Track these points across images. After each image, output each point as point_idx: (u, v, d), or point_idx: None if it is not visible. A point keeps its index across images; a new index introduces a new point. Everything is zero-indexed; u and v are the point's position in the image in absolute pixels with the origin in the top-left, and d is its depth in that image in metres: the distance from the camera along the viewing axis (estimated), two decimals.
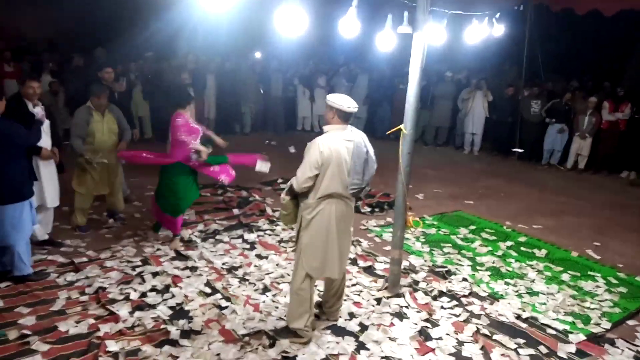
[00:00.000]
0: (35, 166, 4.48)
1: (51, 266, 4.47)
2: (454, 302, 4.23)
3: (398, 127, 3.95)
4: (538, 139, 9.93)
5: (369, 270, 4.75)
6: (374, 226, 5.96)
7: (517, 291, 4.55)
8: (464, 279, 4.69)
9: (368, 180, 3.45)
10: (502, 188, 7.99)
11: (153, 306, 3.90)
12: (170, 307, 3.90)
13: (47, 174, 4.71)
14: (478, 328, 3.87)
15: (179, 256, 4.83)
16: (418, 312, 4.05)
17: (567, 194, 7.86)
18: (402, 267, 4.42)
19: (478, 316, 4.05)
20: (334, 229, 3.42)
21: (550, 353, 3.63)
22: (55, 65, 8.83)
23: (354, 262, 4.90)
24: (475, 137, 10.53)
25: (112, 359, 3.22)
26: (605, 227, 6.44)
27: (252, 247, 5.15)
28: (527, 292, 4.53)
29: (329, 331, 3.71)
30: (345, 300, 4.11)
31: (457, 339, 3.72)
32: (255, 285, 4.37)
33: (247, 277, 4.48)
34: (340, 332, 3.71)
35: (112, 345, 3.35)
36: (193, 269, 4.58)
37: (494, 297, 4.39)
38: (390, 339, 3.66)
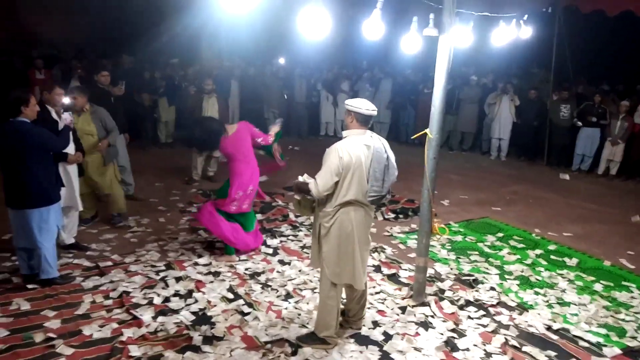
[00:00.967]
0: (62, 171, 4.55)
1: (77, 270, 4.52)
2: (482, 312, 4.11)
3: (423, 132, 3.87)
4: (568, 144, 9.67)
5: (393, 278, 4.66)
6: (398, 233, 5.87)
7: (547, 301, 4.39)
8: (492, 288, 4.56)
9: (388, 187, 3.36)
10: (530, 194, 7.79)
11: (176, 311, 3.90)
12: (193, 313, 3.89)
13: (72, 178, 4.78)
14: (507, 339, 3.74)
15: (202, 261, 4.82)
16: (444, 321, 3.94)
17: (598, 201, 7.61)
18: (427, 275, 4.32)
19: (507, 327, 3.92)
20: (354, 237, 3.35)
21: None
22: (83, 72, 9.00)
23: (377, 269, 4.82)
24: (502, 142, 10.32)
25: None
26: (639, 235, 6.20)
27: (275, 253, 5.12)
28: (558, 303, 4.38)
29: (352, 340, 3.64)
30: (368, 308, 4.03)
31: (484, 350, 3.61)
32: (277, 291, 4.33)
33: (269, 283, 4.45)
34: (364, 341, 3.64)
35: (135, 350, 3.35)
36: (216, 274, 4.57)
37: (523, 307, 4.25)
38: (416, 349, 3.57)
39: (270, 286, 4.41)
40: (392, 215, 6.39)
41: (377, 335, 3.70)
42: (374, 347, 3.56)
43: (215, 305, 4.02)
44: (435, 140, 3.83)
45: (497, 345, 3.66)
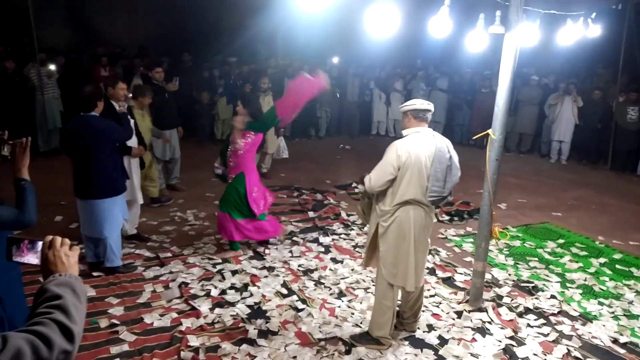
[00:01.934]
0: (126, 164, 4.74)
1: (138, 260, 4.70)
2: (542, 321, 3.96)
3: (485, 132, 3.76)
4: (634, 148, 9.15)
5: (448, 282, 4.57)
6: (453, 235, 5.74)
7: (612, 312, 4.18)
8: (553, 296, 4.38)
9: (450, 188, 3.29)
10: (593, 200, 7.43)
11: (232, 304, 3.98)
12: (249, 306, 3.96)
13: (135, 171, 4.97)
14: (569, 350, 3.59)
15: (257, 255, 4.90)
16: (502, 328, 3.82)
17: None
18: (484, 280, 4.20)
19: (569, 337, 3.76)
20: (412, 237, 3.30)
21: None
22: (145, 69, 9.33)
23: (432, 272, 4.74)
24: (563, 144, 9.89)
25: (193, 354, 3.30)
26: None
27: (327, 251, 5.13)
28: (625, 315, 4.15)
29: (406, 342, 3.59)
30: (423, 311, 3.97)
31: None
32: (330, 289, 4.33)
33: (322, 281, 4.46)
34: (418, 343, 3.58)
35: (194, 340, 3.44)
36: (270, 269, 4.63)
37: (586, 318, 4.06)
38: (472, 355, 3.48)
39: (323, 284, 4.42)
40: (447, 218, 6.26)
41: (432, 338, 3.64)
42: (429, 350, 3.51)
43: (269, 300, 4.08)
44: (499, 141, 3.72)
45: (559, 356, 3.51)
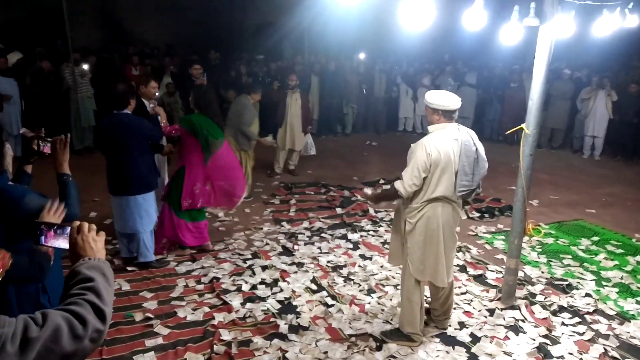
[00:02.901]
0: (157, 162, 4.81)
1: (170, 255, 4.78)
2: (577, 319, 3.87)
3: (519, 127, 3.69)
4: None
5: (479, 279, 4.51)
6: (484, 232, 5.65)
7: None
8: (588, 295, 4.28)
9: (478, 181, 3.26)
10: (628, 196, 7.22)
11: (263, 299, 4.02)
12: (279, 301, 3.99)
13: (164, 168, 5.06)
14: (606, 349, 3.50)
15: (286, 251, 4.93)
16: (535, 326, 3.76)
17: None
18: (517, 278, 4.13)
19: (606, 336, 3.67)
20: (441, 233, 3.27)
21: None
22: (175, 67, 9.47)
23: (463, 269, 4.69)
24: (597, 140, 9.63)
25: (226, 348, 3.35)
26: None
27: (356, 247, 5.13)
28: None
29: (438, 339, 3.57)
30: (454, 308, 3.93)
31: (581, 359, 3.40)
32: (360, 285, 4.33)
33: (351, 277, 4.46)
34: (450, 341, 3.55)
35: (226, 334, 3.49)
36: (299, 265, 4.66)
37: (623, 317, 3.95)
38: (505, 353, 3.43)
39: (352, 280, 4.42)
40: (477, 215, 6.17)
41: (464, 336, 3.60)
42: (460, 348, 3.47)
43: (299, 295, 4.10)
44: (532, 136, 3.64)
45: (596, 356, 3.43)
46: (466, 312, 3.93)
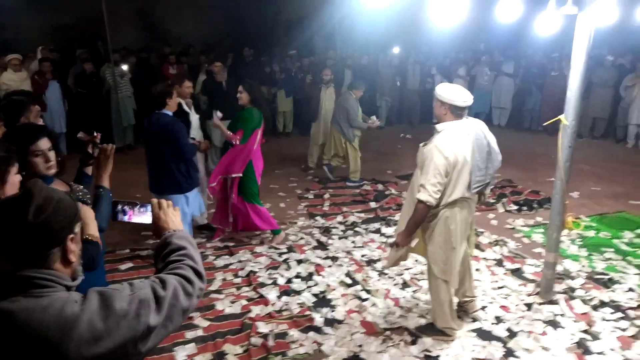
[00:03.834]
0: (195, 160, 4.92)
1: (209, 249, 4.91)
2: (619, 314, 3.77)
3: (557, 118, 3.61)
4: None
5: (516, 273, 4.44)
6: (522, 226, 5.55)
7: None
8: (631, 289, 4.15)
9: (492, 174, 3.21)
10: None
11: (298, 292, 4.09)
12: (314, 295, 4.05)
13: (201, 163, 5.17)
14: None
15: (320, 245, 4.99)
16: (575, 321, 3.68)
17: None
18: (556, 272, 4.05)
19: None
20: (457, 234, 3.23)
21: None
22: (210, 66, 9.64)
23: (499, 263, 4.63)
24: None
25: (263, 340, 3.43)
26: None
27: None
28: None
29: (474, 334, 3.55)
30: (491, 303, 3.91)
31: (623, 356, 3.31)
32: (394, 279, 4.34)
33: (386, 271, 4.47)
34: (486, 336, 3.53)
35: (263, 327, 3.58)
36: (334, 259, 4.71)
37: None
38: (543, 348, 3.38)
39: (386, 274, 4.43)
40: (515, 207, 6.06)
41: (500, 331, 3.57)
42: (497, 342, 3.44)
43: (334, 289, 4.15)
44: (572, 127, 3.55)
45: (639, 352, 3.34)
46: (503, 307, 3.88)
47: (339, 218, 5.75)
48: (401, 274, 4.41)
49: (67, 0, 11.13)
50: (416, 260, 4.66)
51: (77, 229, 1.37)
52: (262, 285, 4.20)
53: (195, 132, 5.01)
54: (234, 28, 12.43)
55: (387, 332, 3.56)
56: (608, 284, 4.23)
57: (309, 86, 8.53)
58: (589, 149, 8.93)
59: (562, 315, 3.77)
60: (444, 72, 11.14)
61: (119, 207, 1.73)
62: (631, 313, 3.80)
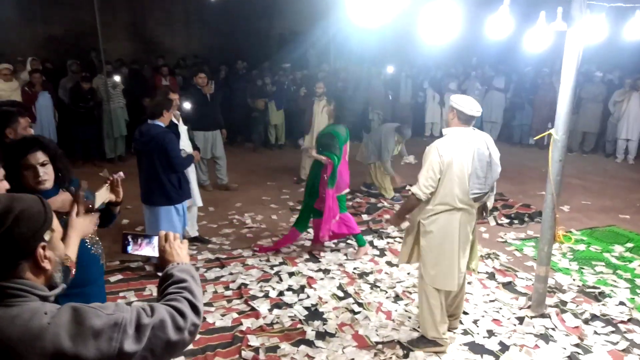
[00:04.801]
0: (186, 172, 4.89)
1: (200, 261, 4.87)
2: (610, 328, 3.78)
3: (548, 132, 3.64)
4: None
5: (508, 287, 4.44)
6: (513, 239, 5.57)
7: None
8: (622, 303, 4.17)
9: (491, 184, 3.26)
10: None
11: (290, 305, 4.06)
12: (306, 308, 4.02)
13: (192, 174, 5.15)
14: None
15: (312, 258, 4.97)
16: (567, 335, 3.68)
17: None
18: (547, 286, 4.06)
19: None
20: (456, 238, 3.26)
21: None
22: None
23: (491, 276, 4.63)
24: (630, 143, 9.37)
25: (254, 354, 3.39)
26: None
27: (382, 254, 5.12)
28: None
29: (466, 347, 3.53)
30: (483, 316, 3.90)
31: None
32: (387, 292, 4.33)
33: (378, 284, 4.46)
34: (478, 349, 3.52)
35: (254, 340, 3.54)
36: (326, 271, 4.68)
37: None
38: None
39: (379, 287, 4.42)
40: (506, 221, 6.09)
41: (492, 344, 3.56)
42: (489, 356, 3.43)
43: (326, 302, 4.13)
44: (562, 141, 3.59)
45: None
46: (495, 320, 3.88)
47: None
48: (393, 287, 4.40)
49: (59, 12, 11.16)
50: (408, 273, 4.66)
51: (47, 236, 1.33)
52: (254, 297, 4.16)
53: (185, 144, 4.99)
54: (227, 42, 12.50)
55: (379, 346, 3.53)
56: (599, 297, 4.25)
57: (302, 99, 8.56)
58: (579, 163, 9.03)
59: (553, 328, 3.77)
60: (435, 86, 11.24)
61: (128, 239, 1.73)
62: (622, 327, 3.81)
